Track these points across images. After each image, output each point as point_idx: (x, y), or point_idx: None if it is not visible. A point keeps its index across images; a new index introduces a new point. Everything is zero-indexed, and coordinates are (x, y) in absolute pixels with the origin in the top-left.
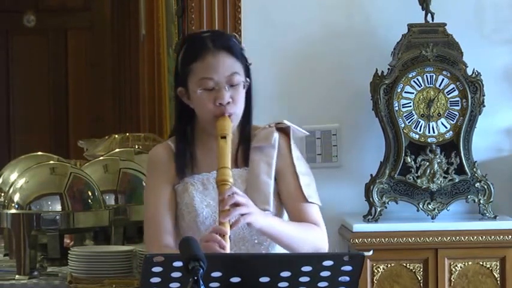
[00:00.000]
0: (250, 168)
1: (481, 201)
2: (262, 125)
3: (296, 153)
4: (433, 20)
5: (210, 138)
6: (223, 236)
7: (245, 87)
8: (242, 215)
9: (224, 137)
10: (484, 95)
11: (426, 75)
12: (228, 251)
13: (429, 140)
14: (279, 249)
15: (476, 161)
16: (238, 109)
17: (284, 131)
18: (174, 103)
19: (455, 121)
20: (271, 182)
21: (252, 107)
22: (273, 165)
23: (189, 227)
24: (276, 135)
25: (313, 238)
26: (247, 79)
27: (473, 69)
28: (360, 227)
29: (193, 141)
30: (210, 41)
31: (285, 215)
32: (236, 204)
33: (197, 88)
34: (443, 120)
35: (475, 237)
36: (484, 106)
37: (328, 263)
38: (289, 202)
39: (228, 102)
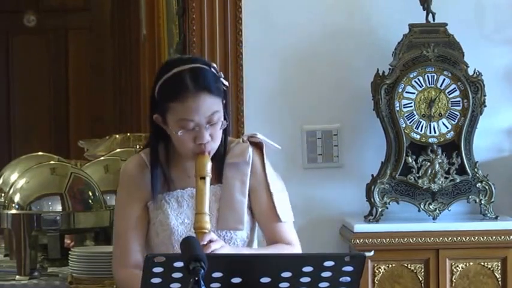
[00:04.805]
0: (224, 185)
1: (482, 202)
2: (235, 139)
3: (270, 170)
4: (434, 20)
5: (185, 158)
6: None
7: (223, 125)
8: None
9: (203, 178)
10: (485, 95)
11: (427, 75)
12: None
13: (430, 140)
14: None
15: (477, 161)
16: (216, 144)
17: (257, 145)
18: (148, 123)
19: (456, 121)
20: (245, 201)
21: (229, 123)
22: (246, 182)
23: (163, 243)
24: (250, 150)
25: None
26: (226, 117)
27: (475, 69)
28: (361, 227)
29: (167, 159)
30: (190, 80)
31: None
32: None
33: (176, 127)
34: (444, 120)
35: (476, 237)
36: (485, 106)
37: (329, 263)
38: (262, 221)
39: (208, 141)
